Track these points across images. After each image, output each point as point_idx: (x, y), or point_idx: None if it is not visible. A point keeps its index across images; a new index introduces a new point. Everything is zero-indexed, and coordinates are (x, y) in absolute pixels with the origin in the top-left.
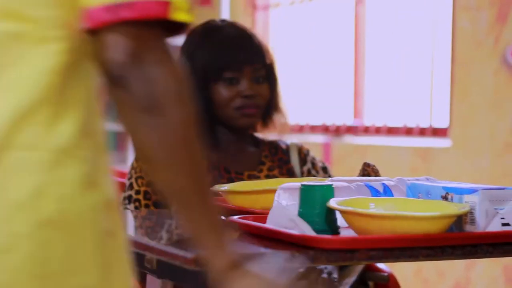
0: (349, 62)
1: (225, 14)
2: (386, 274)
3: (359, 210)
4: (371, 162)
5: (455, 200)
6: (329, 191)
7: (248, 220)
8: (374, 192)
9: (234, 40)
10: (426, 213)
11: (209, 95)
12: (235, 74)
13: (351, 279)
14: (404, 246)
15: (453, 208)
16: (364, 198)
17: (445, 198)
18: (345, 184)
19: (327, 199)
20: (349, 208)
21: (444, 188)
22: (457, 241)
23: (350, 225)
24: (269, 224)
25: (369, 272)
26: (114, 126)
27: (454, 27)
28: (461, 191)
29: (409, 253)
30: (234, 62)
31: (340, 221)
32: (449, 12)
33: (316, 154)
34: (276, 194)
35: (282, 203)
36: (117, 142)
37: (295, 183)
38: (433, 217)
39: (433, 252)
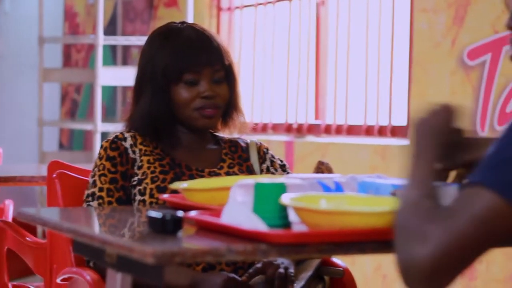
0: (311, 63)
1: (190, 15)
2: (341, 269)
3: (310, 206)
4: (331, 160)
5: None
6: (281, 188)
7: (205, 216)
8: (326, 188)
9: (193, 42)
10: (374, 209)
11: (169, 96)
12: (194, 75)
13: (308, 273)
14: (352, 240)
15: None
16: (315, 194)
17: (393, 194)
18: (299, 181)
19: (280, 196)
20: (301, 204)
21: (392, 185)
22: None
23: (302, 221)
24: (224, 220)
25: (325, 267)
26: (82, 126)
27: (412, 29)
28: None
29: (357, 247)
30: (193, 64)
31: (293, 216)
32: (408, 14)
33: (278, 152)
34: (232, 190)
35: (237, 200)
36: (84, 141)
37: (251, 180)
38: (381, 213)
39: (380, 245)
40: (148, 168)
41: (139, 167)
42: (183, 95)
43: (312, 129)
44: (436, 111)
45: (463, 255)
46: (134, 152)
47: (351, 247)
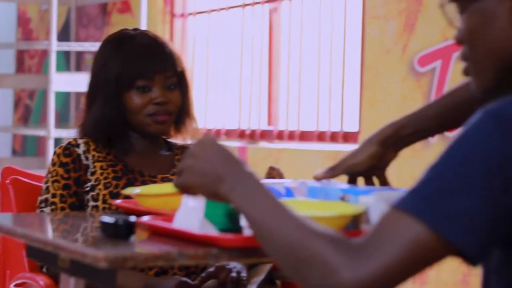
0: (264, 69)
1: (144, 21)
2: None
3: None
4: (284, 166)
5: (352, 201)
6: None
7: (157, 221)
8: (277, 194)
9: (145, 49)
10: (324, 213)
11: (122, 102)
12: (147, 82)
13: (260, 278)
14: None
15: (349, 209)
16: None
17: (342, 199)
18: None
19: None
20: None
21: (341, 190)
22: (353, 234)
23: None
24: (176, 225)
25: (277, 271)
26: (35, 132)
27: (364, 35)
28: (357, 193)
29: None
30: (146, 70)
31: (243, 221)
32: (359, 21)
33: None
34: (183, 196)
35: (189, 205)
36: (37, 147)
37: None
38: (331, 217)
39: None
40: (101, 174)
41: (92, 173)
42: (135, 101)
43: (265, 135)
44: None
45: (388, 284)
46: (87, 158)
47: None
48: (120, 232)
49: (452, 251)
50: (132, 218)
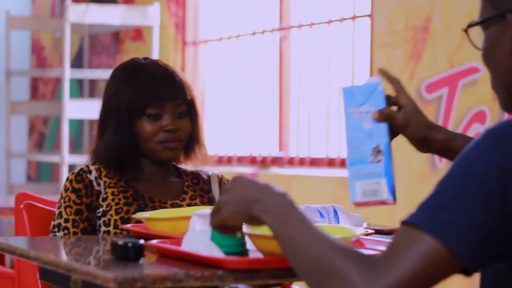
0: (275, 96)
1: (156, 49)
2: None
3: (265, 234)
4: (295, 191)
5: None
6: None
7: (165, 244)
8: None
9: (156, 78)
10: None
11: (133, 130)
12: (158, 110)
13: None
14: None
15: (351, 232)
16: None
17: None
18: None
19: None
20: (257, 232)
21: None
22: None
23: (258, 248)
24: (183, 248)
25: None
26: (49, 158)
27: (372, 63)
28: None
29: None
30: (156, 99)
31: (249, 244)
32: (367, 49)
33: None
34: (191, 220)
35: (196, 228)
36: (52, 173)
37: (209, 210)
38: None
39: None
40: (113, 200)
41: (104, 199)
42: (146, 129)
43: (276, 161)
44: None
45: None
46: (99, 184)
47: None
48: (129, 254)
49: (454, 260)
50: (141, 241)
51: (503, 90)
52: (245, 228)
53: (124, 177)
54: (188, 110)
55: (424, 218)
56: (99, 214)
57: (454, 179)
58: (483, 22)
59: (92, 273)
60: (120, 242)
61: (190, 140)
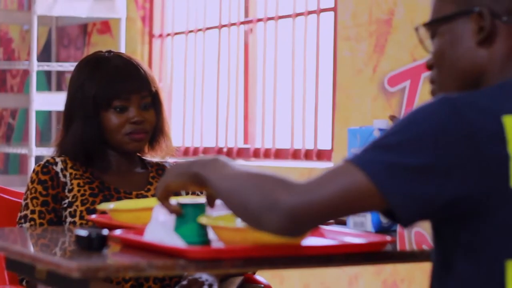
0: (240, 89)
1: (123, 42)
2: (262, 285)
3: (226, 224)
4: None
5: None
6: (201, 208)
7: (129, 234)
8: None
9: (121, 70)
10: None
11: (100, 122)
12: (124, 102)
13: None
14: (264, 255)
15: None
16: (231, 213)
17: None
18: (219, 202)
19: (199, 215)
20: (218, 223)
21: None
22: (313, 251)
23: (219, 238)
24: (146, 238)
25: (247, 284)
26: (17, 150)
27: (336, 56)
28: None
29: (269, 262)
30: (122, 91)
31: (211, 235)
32: (331, 42)
33: None
34: (154, 210)
35: (158, 219)
36: (20, 165)
37: (172, 201)
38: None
39: (291, 260)
40: (78, 191)
41: (70, 190)
42: (113, 121)
43: (242, 153)
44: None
45: (321, 215)
46: (65, 176)
47: (263, 262)
48: (93, 244)
49: (383, 202)
50: (105, 232)
51: (457, 85)
52: (206, 220)
53: (90, 168)
54: (152, 102)
55: (360, 156)
56: (65, 205)
57: (398, 128)
58: (448, 18)
59: (56, 263)
60: (84, 233)
61: (155, 132)
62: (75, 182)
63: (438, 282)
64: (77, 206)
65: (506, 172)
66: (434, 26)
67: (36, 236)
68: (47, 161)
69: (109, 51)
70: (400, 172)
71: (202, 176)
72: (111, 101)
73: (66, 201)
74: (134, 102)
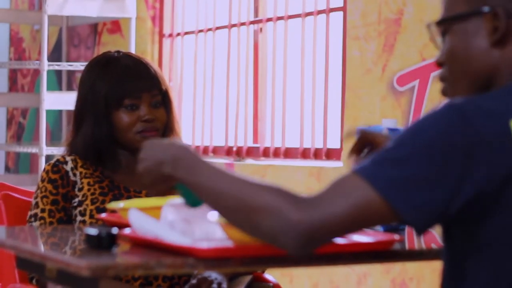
0: (250, 88)
1: (133, 42)
2: (271, 284)
3: None
4: (269, 182)
5: None
6: None
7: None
8: None
9: (131, 69)
10: None
11: (111, 122)
12: (134, 101)
13: None
14: (273, 254)
15: None
16: None
17: None
18: None
19: None
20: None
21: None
22: (322, 249)
23: (229, 237)
24: (155, 236)
25: (256, 283)
26: (27, 149)
27: (345, 56)
28: None
29: (279, 260)
30: (133, 90)
31: (220, 233)
32: (340, 42)
33: None
34: (163, 209)
35: (168, 218)
36: (30, 164)
37: (182, 200)
38: None
39: (300, 259)
40: (88, 190)
41: (80, 189)
42: (124, 120)
43: (251, 152)
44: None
45: (335, 232)
46: (75, 174)
47: (272, 260)
48: (103, 243)
49: (395, 216)
50: (114, 230)
51: (466, 89)
52: (216, 218)
53: (100, 167)
54: (162, 100)
55: (368, 169)
56: (75, 204)
57: (406, 139)
58: (459, 18)
59: (66, 262)
60: (94, 231)
61: (166, 130)
62: (85, 181)
63: (450, 283)
64: (87, 205)
65: None
66: (446, 24)
67: (46, 235)
68: (57, 160)
69: (118, 51)
70: (411, 185)
71: (176, 178)
72: (122, 100)
73: (76, 200)
74: (145, 100)
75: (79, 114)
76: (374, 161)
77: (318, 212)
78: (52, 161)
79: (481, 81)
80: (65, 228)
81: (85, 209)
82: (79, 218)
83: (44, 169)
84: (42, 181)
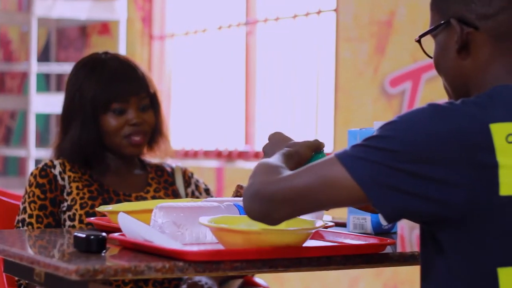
0: (240, 91)
1: (122, 43)
2: None
3: (225, 226)
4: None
5: None
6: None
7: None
8: (242, 211)
9: (118, 72)
10: (286, 228)
11: (98, 125)
12: (122, 104)
13: None
14: (264, 258)
15: (310, 224)
16: (231, 216)
17: None
18: (216, 204)
19: None
20: (218, 225)
21: None
22: (313, 253)
23: (219, 240)
24: (144, 239)
25: (247, 287)
26: (16, 152)
27: (337, 58)
28: None
29: (269, 264)
30: (120, 94)
31: (210, 237)
32: (332, 43)
33: (209, 178)
34: (153, 213)
35: (157, 221)
36: (19, 167)
37: (171, 203)
38: (292, 232)
39: (291, 263)
40: (77, 194)
41: (68, 193)
42: (112, 124)
43: (242, 155)
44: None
45: (295, 202)
46: (63, 179)
47: (263, 264)
48: (92, 247)
49: (357, 190)
50: (103, 234)
51: (453, 93)
52: (206, 221)
53: (88, 171)
54: (151, 103)
55: (344, 152)
56: (64, 209)
57: (387, 133)
58: (432, 31)
59: (54, 265)
60: (83, 235)
61: (154, 133)
62: (74, 185)
63: (428, 271)
64: (76, 209)
65: (495, 180)
66: (432, 36)
67: (35, 238)
68: (45, 164)
69: (106, 52)
70: (383, 171)
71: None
72: (110, 104)
73: (65, 204)
74: (133, 104)
75: (66, 116)
76: (352, 146)
77: (283, 182)
78: (40, 165)
79: (460, 89)
80: (53, 231)
81: (74, 214)
82: (68, 223)
83: (32, 173)
84: (30, 185)
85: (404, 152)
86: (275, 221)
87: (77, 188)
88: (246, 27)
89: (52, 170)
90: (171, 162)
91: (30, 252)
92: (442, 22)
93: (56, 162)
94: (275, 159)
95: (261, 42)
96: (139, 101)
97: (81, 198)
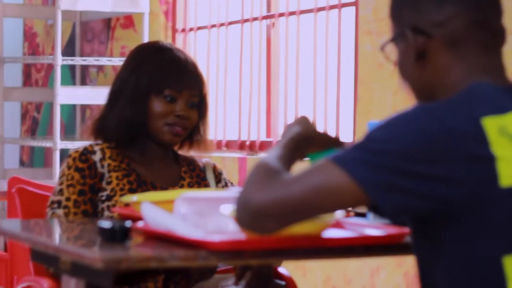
0: (263, 82)
1: (146, 36)
2: (284, 283)
3: None
4: None
5: None
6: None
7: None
8: None
9: (181, 62)
10: None
11: (147, 106)
12: (175, 93)
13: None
14: (285, 247)
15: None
16: None
17: None
18: (225, 193)
19: None
20: None
21: None
22: (332, 242)
23: (241, 229)
24: (168, 228)
25: (270, 282)
26: (41, 143)
27: (357, 51)
28: None
29: (289, 253)
30: (177, 82)
31: (233, 226)
32: (353, 37)
33: (232, 169)
34: (176, 203)
35: (180, 211)
36: (44, 158)
37: (194, 193)
38: (312, 221)
39: (310, 251)
40: (117, 184)
41: (108, 183)
42: (160, 108)
43: (264, 146)
44: (296, 120)
45: (292, 215)
46: (102, 166)
47: (283, 253)
48: (116, 236)
49: (358, 192)
50: (128, 223)
51: (418, 99)
52: (229, 211)
53: (126, 159)
54: (199, 103)
55: (340, 155)
56: (103, 198)
57: (378, 136)
58: (391, 41)
59: (79, 254)
60: (107, 224)
61: (193, 132)
62: (113, 174)
63: (427, 278)
64: (116, 201)
65: (493, 172)
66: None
67: (61, 228)
68: (85, 148)
69: (171, 44)
70: (383, 172)
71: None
72: (164, 89)
73: (104, 194)
74: (184, 96)
75: (115, 95)
76: (346, 149)
77: (275, 191)
78: (80, 149)
79: (425, 94)
80: (82, 221)
81: (114, 205)
82: (106, 213)
83: (71, 155)
84: (69, 168)
85: (400, 152)
86: (267, 233)
87: (117, 178)
88: (267, 20)
89: (93, 156)
90: (199, 158)
91: (56, 241)
92: (398, 32)
93: (97, 148)
94: (277, 154)
95: (282, 35)
96: (190, 96)
97: (121, 189)
